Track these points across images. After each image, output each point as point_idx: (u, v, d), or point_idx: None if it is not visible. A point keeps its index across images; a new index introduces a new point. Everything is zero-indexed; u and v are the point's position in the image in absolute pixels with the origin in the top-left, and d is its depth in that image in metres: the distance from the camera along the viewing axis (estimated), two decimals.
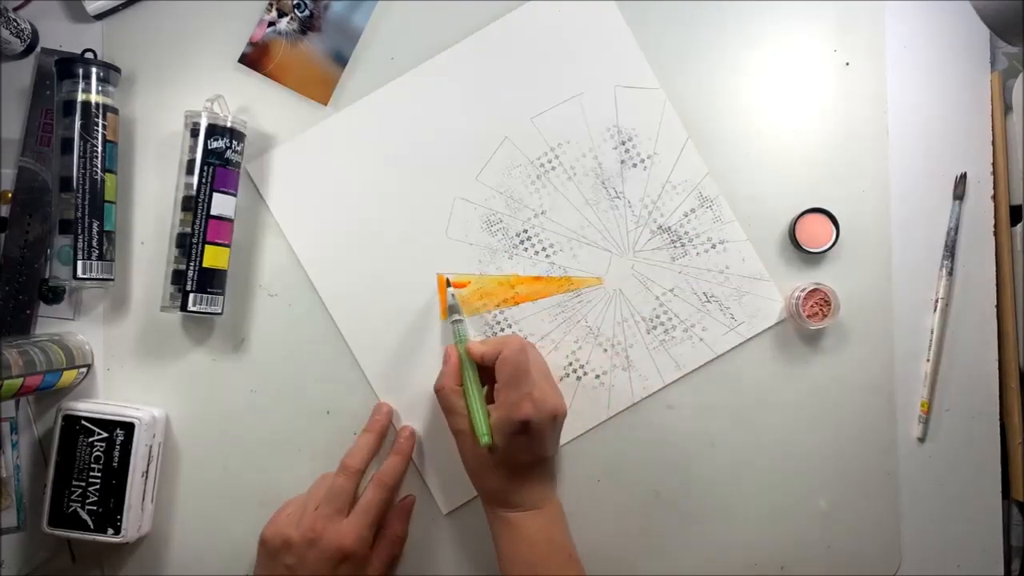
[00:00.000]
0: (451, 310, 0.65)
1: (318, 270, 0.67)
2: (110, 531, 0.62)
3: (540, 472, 0.60)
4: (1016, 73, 0.68)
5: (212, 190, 0.63)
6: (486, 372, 0.62)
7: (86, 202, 0.62)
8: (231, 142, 0.63)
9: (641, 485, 0.67)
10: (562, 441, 0.66)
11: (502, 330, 0.67)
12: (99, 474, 0.61)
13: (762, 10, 0.68)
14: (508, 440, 0.57)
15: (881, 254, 0.68)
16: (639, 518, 0.67)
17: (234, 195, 0.64)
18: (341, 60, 0.67)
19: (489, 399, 0.61)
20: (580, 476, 0.67)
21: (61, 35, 0.66)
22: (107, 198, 0.63)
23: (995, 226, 0.68)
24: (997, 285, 0.68)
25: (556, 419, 0.59)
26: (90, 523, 0.61)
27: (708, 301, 0.67)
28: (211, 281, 0.63)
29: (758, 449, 0.67)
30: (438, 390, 0.61)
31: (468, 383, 0.61)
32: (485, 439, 0.57)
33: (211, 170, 0.62)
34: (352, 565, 0.59)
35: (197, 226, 0.62)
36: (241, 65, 0.67)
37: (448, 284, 0.66)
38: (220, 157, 0.63)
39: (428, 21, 0.67)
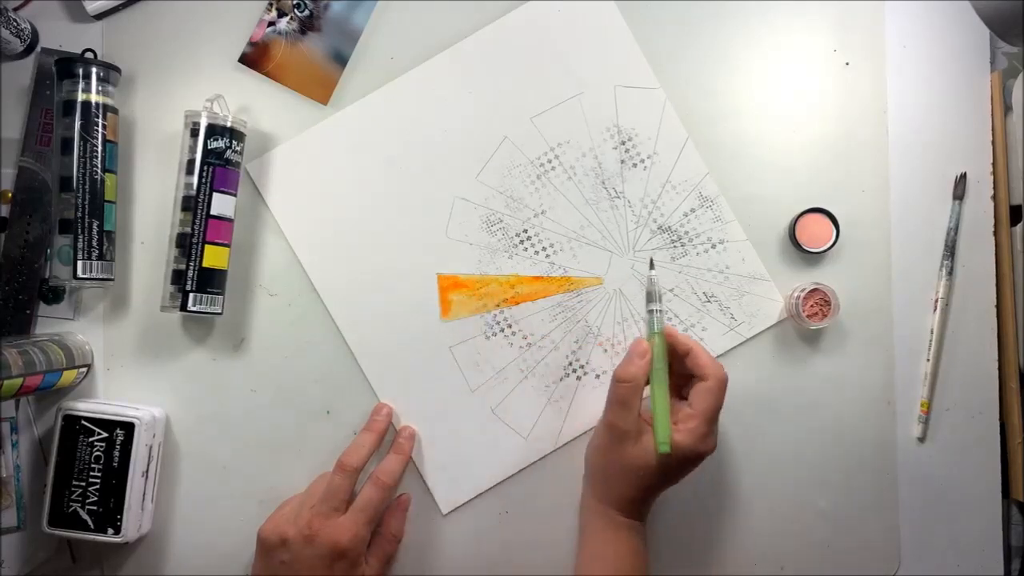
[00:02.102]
0: (649, 297, 0.60)
1: (318, 270, 0.67)
2: (110, 531, 0.62)
3: (662, 490, 0.60)
4: (1016, 73, 0.68)
5: (212, 190, 0.63)
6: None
7: (86, 202, 0.62)
8: (231, 142, 0.63)
9: None
10: (562, 441, 0.66)
11: (502, 330, 0.67)
12: (99, 474, 0.61)
13: (762, 10, 0.68)
14: (677, 464, 0.57)
15: (881, 254, 0.68)
16: None
17: (234, 195, 0.64)
18: (341, 60, 0.67)
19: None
20: (580, 476, 0.67)
21: (61, 35, 0.66)
22: (107, 198, 0.63)
23: (995, 226, 0.68)
24: (997, 285, 0.68)
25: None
26: (90, 523, 0.61)
27: (708, 301, 0.67)
28: (211, 281, 0.63)
29: (758, 449, 0.67)
30: (624, 379, 0.57)
31: (658, 383, 0.57)
32: (666, 447, 0.55)
33: (211, 170, 0.62)
34: (347, 563, 0.59)
35: (197, 226, 0.62)
36: (241, 65, 0.67)
37: (651, 266, 0.63)
38: (220, 157, 0.63)
39: (428, 21, 0.67)
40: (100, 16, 0.66)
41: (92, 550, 0.66)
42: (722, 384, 0.57)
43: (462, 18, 0.67)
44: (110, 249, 0.64)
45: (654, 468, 0.57)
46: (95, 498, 0.61)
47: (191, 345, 0.67)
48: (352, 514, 0.60)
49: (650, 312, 0.60)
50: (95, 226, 0.62)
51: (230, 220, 0.64)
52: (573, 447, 0.67)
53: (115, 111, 0.64)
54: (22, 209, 0.65)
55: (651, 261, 0.64)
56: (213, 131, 0.62)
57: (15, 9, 0.65)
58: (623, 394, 0.57)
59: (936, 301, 0.67)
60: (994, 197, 0.68)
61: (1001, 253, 0.68)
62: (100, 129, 0.62)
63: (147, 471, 0.63)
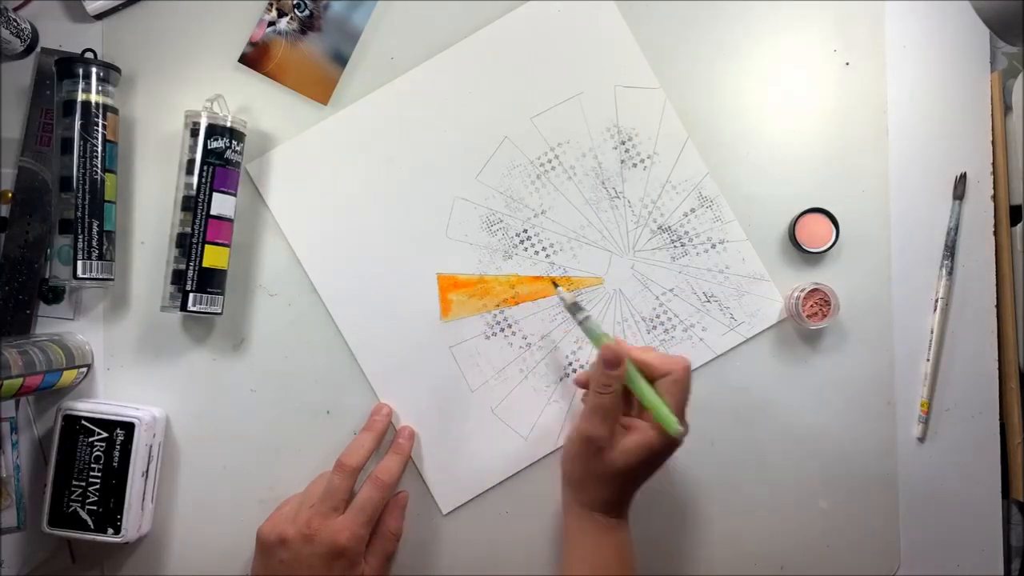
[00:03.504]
0: (574, 308, 0.59)
1: (318, 270, 0.67)
2: (110, 531, 0.62)
3: (640, 487, 0.60)
4: (1016, 73, 0.68)
5: (212, 190, 0.63)
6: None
7: (86, 202, 0.62)
8: (231, 142, 0.63)
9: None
10: (562, 441, 0.66)
11: (502, 330, 0.67)
12: (99, 474, 0.61)
13: (762, 10, 0.68)
14: (655, 459, 0.56)
15: (881, 254, 0.68)
16: (639, 518, 0.67)
17: (234, 195, 0.64)
18: (341, 60, 0.67)
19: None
20: None
21: (61, 35, 0.66)
22: (107, 198, 0.63)
23: (995, 226, 0.68)
24: (997, 285, 0.68)
25: None
26: (90, 523, 0.61)
27: (708, 301, 0.67)
28: (211, 281, 0.63)
29: (758, 449, 0.67)
30: (607, 385, 0.55)
31: (638, 378, 0.56)
32: (677, 427, 0.54)
33: (211, 170, 0.63)
34: (347, 562, 0.59)
35: (197, 226, 0.62)
36: (241, 65, 0.67)
37: (555, 284, 0.65)
38: (220, 157, 0.63)
39: (428, 21, 0.67)
40: (100, 16, 0.66)
41: (92, 550, 0.66)
42: (687, 373, 0.57)
43: (462, 18, 0.67)
44: (110, 249, 0.64)
45: (634, 468, 0.56)
46: (95, 498, 0.61)
47: (191, 345, 0.67)
48: (351, 513, 0.60)
49: (586, 319, 0.59)
50: (95, 226, 0.62)
51: (230, 220, 0.64)
52: None
53: (115, 111, 0.64)
54: (22, 209, 0.65)
55: (554, 281, 0.65)
56: (213, 131, 0.62)
57: (15, 9, 0.65)
58: (605, 403, 0.55)
59: (936, 301, 0.67)
60: (994, 197, 0.68)
61: (1001, 253, 0.68)
62: (100, 129, 0.62)
63: (147, 471, 0.63)
